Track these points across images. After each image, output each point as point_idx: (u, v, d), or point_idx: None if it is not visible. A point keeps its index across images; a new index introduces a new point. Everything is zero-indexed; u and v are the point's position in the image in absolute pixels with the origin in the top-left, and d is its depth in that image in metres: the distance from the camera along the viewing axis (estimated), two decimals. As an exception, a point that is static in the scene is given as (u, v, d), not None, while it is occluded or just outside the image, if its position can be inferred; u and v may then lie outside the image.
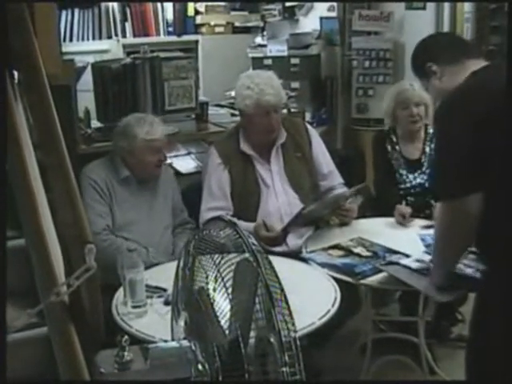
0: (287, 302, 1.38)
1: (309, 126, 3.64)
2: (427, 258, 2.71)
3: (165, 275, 2.67)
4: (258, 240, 1.40)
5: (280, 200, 3.37)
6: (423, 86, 2.56)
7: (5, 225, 1.70)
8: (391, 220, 3.43)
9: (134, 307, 2.50)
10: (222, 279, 1.46)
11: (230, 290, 1.47)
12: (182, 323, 1.61)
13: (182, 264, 1.64)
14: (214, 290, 1.52)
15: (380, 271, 2.76)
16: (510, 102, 1.90)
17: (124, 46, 5.89)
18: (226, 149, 3.41)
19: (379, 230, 3.28)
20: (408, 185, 3.74)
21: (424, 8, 5.12)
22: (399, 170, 3.77)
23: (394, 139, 3.82)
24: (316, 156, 3.51)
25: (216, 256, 1.51)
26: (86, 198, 3.12)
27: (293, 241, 3.32)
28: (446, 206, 2.21)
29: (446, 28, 4.99)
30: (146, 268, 2.67)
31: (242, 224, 3.19)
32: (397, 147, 3.81)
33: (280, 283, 1.39)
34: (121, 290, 2.63)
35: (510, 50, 1.99)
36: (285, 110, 4.61)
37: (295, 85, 5.47)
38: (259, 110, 3.28)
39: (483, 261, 2.28)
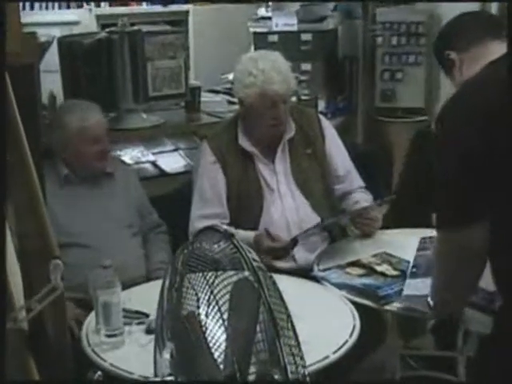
0: (295, 331, 1.39)
1: (322, 117, 3.66)
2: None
3: (146, 297, 2.67)
4: (259, 253, 1.40)
5: (286, 206, 3.38)
6: (450, 81, 2.59)
7: (5, 223, 1.72)
8: (424, 231, 3.42)
9: (109, 336, 2.50)
10: (217, 302, 1.47)
11: (225, 316, 1.48)
12: (167, 356, 1.62)
13: (167, 283, 1.65)
14: (207, 315, 1.53)
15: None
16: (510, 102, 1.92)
17: (98, 18, 5.89)
18: (221, 144, 3.43)
19: (409, 244, 3.27)
20: None
21: (466, -31, 5.13)
22: None
23: None
24: (330, 153, 3.53)
25: (209, 274, 1.52)
26: None
27: (302, 255, 3.34)
28: (442, 237, 2.17)
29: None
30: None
31: (240, 233, 3.23)
32: None
33: (286, 308, 1.40)
34: (92, 314, 2.64)
35: (510, 50, 2.02)
36: (294, 98, 4.63)
37: (306, 67, 5.48)
38: (264, 102, 3.29)
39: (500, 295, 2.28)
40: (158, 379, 1.64)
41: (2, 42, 1.84)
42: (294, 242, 3.21)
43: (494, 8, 4.93)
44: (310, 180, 3.45)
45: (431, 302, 2.47)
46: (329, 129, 3.59)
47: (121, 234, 3.34)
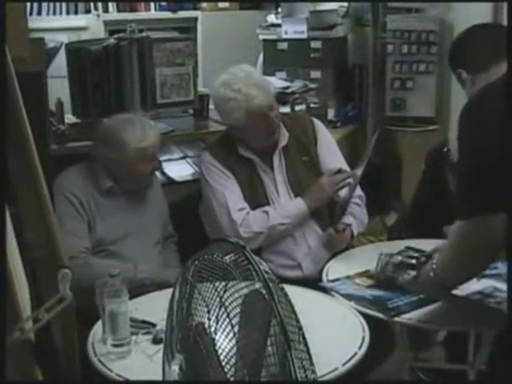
0: (306, 344, 1.38)
1: (317, 122, 3.65)
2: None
3: (154, 306, 2.68)
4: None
5: None
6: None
7: (5, 223, 1.71)
8: (437, 242, 3.40)
9: (115, 346, 2.49)
10: (228, 315, 1.46)
11: (236, 328, 1.47)
12: (176, 368, 1.62)
13: (177, 294, 1.65)
14: (217, 327, 1.52)
15: (419, 306, 2.76)
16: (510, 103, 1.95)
17: (106, 23, 5.93)
18: (222, 153, 3.45)
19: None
20: None
21: (477, -23, 5.11)
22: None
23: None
24: (321, 154, 3.53)
25: (220, 285, 1.52)
26: (59, 212, 3.13)
27: (308, 265, 3.35)
28: (460, 227, 2.24)
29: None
30: (133, 287, 2.70)
31: (288, 207, 3.35)
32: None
33: (298, 320, 1.39)
34: (99, 324, 2.64)
35: (510, 50, 2.03)
36: (303, 106, 4.64)
37: (316, 74, 5.49)
38: (253, 119, 3.30)
39: None
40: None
41: (2, 42, 1.83)
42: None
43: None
44: (306, 188, 3.43)
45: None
46: (322, 132, 3.59)
47: (148, 244, 3.37)
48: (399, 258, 2.94)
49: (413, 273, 2.78)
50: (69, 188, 3.24)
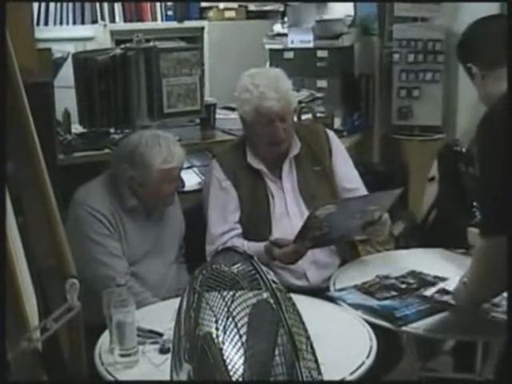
0: (314, 354, 1.38)
1: (330, 133, 3.63)
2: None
3: (160, 316, 2.68)
4: (271, 262, 1.38)
5: (294, 225, 3.36)
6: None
7: (4, 222, 1.72)
8: (448, 253, 3.39)
9: (123, 356, 2.49)
10: (235, 324, 1.46)
11: (244, 338, 1.47)
12: (183, 377, 1.62)
13: (185, 304, 1.65)
14: (225, 336, 1.52)
15: (427, 316, 2.76)
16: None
17: (112, 33, 5.94)
18: (231, 162, 3.43)
19: (431, 265, 3.23)
20: None
21: (482, -13, 5.12)
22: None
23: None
24: (336, 168, 3.50)
25: (227, 295, 1.52)
26: (88, 231, 3.12)
27: (314, 274, 3.33)
28: (484, 243, 2.28)
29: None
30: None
31: (249, 246, 3.27)
32: (471, 170, 3.83)
33: (306, 330, 1.39)
34: (106, 333, 2.64)
35: (510, 50, 2.03)
36: (309, 115, 4.64)
37: (322, 83, 5.50)
38: (260, 118, 3.29)
39: None
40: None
41: (3, 42, 1.84)
42: (303, 243, 3.17)
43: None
44: (318, 197, 3.40)
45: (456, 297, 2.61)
46: (336, 143, 3.56)
47: (165, 263, 3.33)
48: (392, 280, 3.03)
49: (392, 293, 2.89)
50: (95, 205, 3.16)
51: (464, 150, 3.90)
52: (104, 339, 2.64)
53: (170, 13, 6.17)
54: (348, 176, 3.49)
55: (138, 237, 3.25)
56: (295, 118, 4.47)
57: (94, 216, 3.15)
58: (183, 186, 3.39)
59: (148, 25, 6.06)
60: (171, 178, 3.22)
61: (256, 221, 3.39)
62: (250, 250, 3.22)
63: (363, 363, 2.46)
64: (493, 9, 4.93)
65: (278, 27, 6.03)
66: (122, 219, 3.21)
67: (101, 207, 3.17)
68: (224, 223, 3.36)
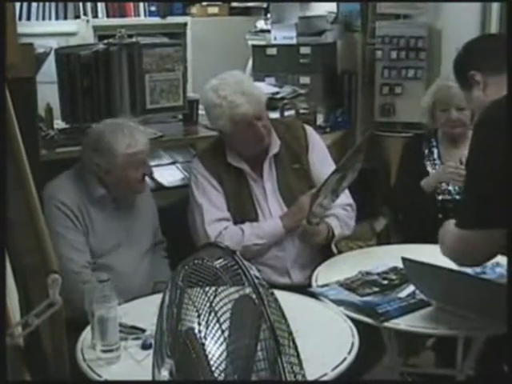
0: (297, 349, 1.38)
1: (309, 129, 3.64)
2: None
3: (143, 312, 2.67)
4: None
5: None
6: (465, 97, 2.66)
7: (5, 225, 1.71)
8: (429, 248, 3.39)
9: (105, 351, 2.49)
10: (218, 320, 1.47)
11: (226, 333, 1.47)
12: (165, 373, 1.61)
13: (167, 299, 1.65)
14: (207, 332, 1.52)
15: (409, 311, 2.77)
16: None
17: (95, 29, 5.93)
18: (212, 161, 3.44)
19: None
20: (448, 197, 3.76)
21: (465, -15, 5.14)
22: None
23: (434, 143, 3.87)
24: (313, 162, 3.51)
25: (210, 290, 1.52)
26: (54, 225, 3.08)
27: (297, 272, 3.36)
28: (458, 234, 2.37)
29: (494, 9, 4.99)
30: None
31: (261, 225, 3.34)
32: (435, 151, 3.86)
33: (288, 325, 1.39)
34: (88, 329, 2.63)
35: (510, 50, 2.05)
36: (292, 111, 4.64)
37: (305, 80, 5.50)
38: (238, 127, 3.29)
39: None
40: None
41: (2, 42, 1.84)
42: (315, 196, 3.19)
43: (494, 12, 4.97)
44: (298, 196, 3.41)
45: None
46: (314, 140, 3.57)
47: (138, 254, 3.32)
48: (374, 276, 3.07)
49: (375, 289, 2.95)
50: (61, 199, 3.17)
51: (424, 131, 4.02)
52: (86, 335, 2.64)
53: (153, 8, 6.17)
54: (324, 172, 3.42)
55: (106, 228, 3.25)
56: (278, 114, 4.49)
57: (59, 209, 3.15)
58: (151, 172, 3.38)
59: (131, 20, 6.05)
60: (137, 163, 3.22)
61: (240, 221, 3.39)
62: (263, 229, 3.29)
63: (345, 359, 2.47)
64: (474, 7, 4.99)
65: (261, 23, 6.04)
66: (88, 211, 3.21)
67: (66, 199, 3.18)
68: (218, 211, 3.36)
